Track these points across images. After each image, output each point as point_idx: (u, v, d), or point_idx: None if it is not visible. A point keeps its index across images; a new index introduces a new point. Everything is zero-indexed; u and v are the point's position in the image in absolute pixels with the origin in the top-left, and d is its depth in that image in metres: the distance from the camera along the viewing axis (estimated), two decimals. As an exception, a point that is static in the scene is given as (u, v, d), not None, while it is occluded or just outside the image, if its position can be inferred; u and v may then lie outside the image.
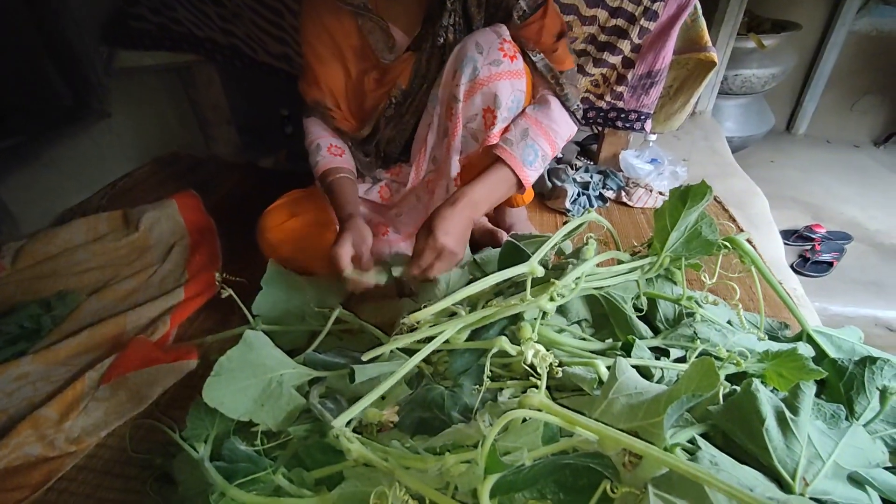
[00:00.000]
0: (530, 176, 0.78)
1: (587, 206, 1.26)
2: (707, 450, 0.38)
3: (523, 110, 0.83)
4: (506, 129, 0.81)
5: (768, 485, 0.36)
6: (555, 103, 0.83)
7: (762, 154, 2.52)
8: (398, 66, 0.87)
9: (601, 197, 1.30)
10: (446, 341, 0.59)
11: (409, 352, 0.61)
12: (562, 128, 0.83)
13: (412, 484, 0.44)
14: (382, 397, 0.59)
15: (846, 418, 0.54)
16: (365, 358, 0.57)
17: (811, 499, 0.39)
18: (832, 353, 0.62)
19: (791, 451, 0.40)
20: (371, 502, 0.43)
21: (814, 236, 1.88)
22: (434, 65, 0.86)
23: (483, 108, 0.79)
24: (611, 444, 0.37)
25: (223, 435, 0.55)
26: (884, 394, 0.52)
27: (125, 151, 1.50)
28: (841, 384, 0.57)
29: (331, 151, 0.90)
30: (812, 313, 0.96)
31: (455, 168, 0.84)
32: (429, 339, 0.59)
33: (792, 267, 1.76)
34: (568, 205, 1.24)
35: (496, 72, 0.76)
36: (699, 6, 1.17)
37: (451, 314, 0.60)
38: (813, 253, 1.80)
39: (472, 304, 0.65)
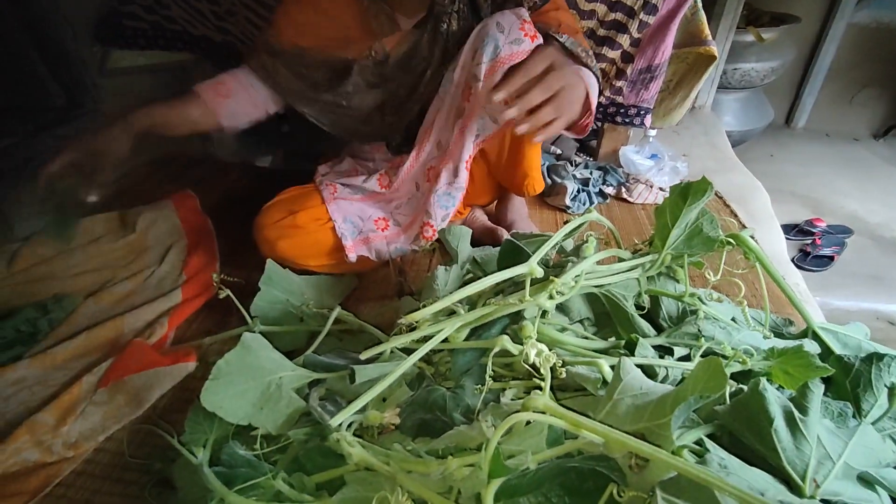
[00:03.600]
0: (592, 87, 0.72)
1: (587, 202, 1.25)
2: (716, 452, 0.37)
3: None
4: None
5: (778, 487, 0.36)
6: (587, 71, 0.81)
7: (761, 148, 2.51)
8: (390, 38, 0.85)
9: (601, 193, 1.29)
10: (446, 340, 0.59)
11: (410, 352, 0.60)
12: (595, 87, 0.79)
13: (414, 488, 0.43)
14: (383, 399, 0.59)
15: (853, 416, 0.54)
16: (363, 357, 0.56)
17: (821, 501, 0.38)
18: (838, 349, 0.61)
19: (801, 451, 0.39)
20: (373, 507, 0.43)
21: (814, 230, 1.87)
22: (437, 50, 0.85)
23: None
24: (617, 446, 0.36)
25: (222, 439, 0.54)
26: (892, 391, 0.51)
27: (121, 152, 1.49)
28: (847, 381, 0.56)
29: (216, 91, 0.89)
30: (815, 309, 0.95)
31: (468, 150, 0.83)
32: (428, 339, 0.58)
33: (793, 261, 1.75)
34: (568, 201, 1.23)
35: (518, 50, 0.74)
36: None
37: (451, 313, 0.60)
38: (814, 247, 1.79)
39: (471, 303, 0.64)
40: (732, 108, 2.27)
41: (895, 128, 2.55)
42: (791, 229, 1.91)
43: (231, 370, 0.56)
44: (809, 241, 1.83)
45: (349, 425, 0.54)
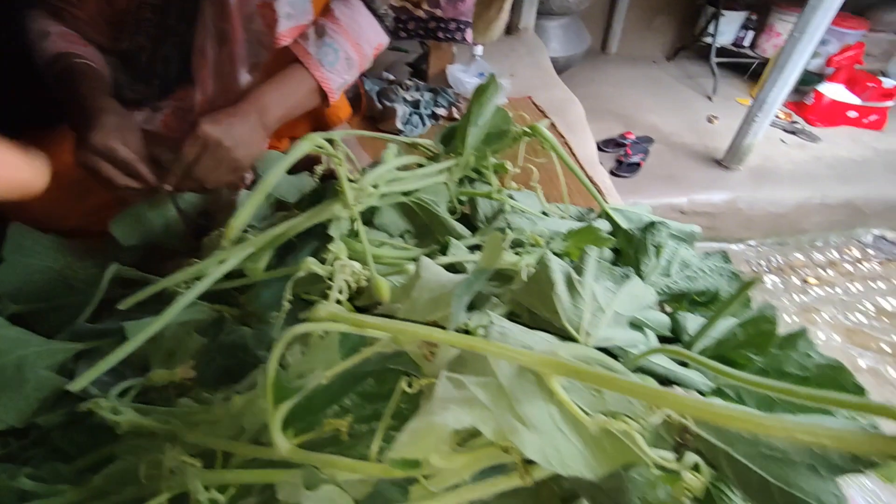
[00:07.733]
0: (331, 80, 0.69)
1: (419, 125, 1.22)
2: (499, 322, 0.37)
3: (326, 6, 0.72)
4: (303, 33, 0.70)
5: (553, 342, 0.37)
6: (358, 4, 0.74)
7: (584, 73, 2.75)
8: None
9: (433, 115, 1.27)
10: (244, 276, 0.51)
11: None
12: (368, 32, 0.75)
13: (199, 440, 0.37)
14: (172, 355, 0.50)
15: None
16: (122, 306, 0.46)
17: (598, 348, 0.41)
18: (624, 224, 0.69)
19: (577, 308, 0.41)
20: (142, 474, 0.36)
21: (625, 142, 2.14)
22: None
23: (258, 3, 0.66)
24: (406, 337, 0.34)
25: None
26: (658, 249, 0.58)
27: None
28: (630, 249, 0.64)
29: (65, 38, 0.68)
30: (616, 198, 1.08)
31: (244, 80, 0.71)
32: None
33: (612, 172, 2.00)
34: (399, 125, 1.18)
35: None
36: None
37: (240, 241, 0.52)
38: (626, 157, 2.06)
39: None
40: (556, 35, 2.42)
41: (682, 49, 2.98)
42: (609, 143, 2.16)
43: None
44: (622, 152, 2.09)
45: (125, 392, 0.45)
